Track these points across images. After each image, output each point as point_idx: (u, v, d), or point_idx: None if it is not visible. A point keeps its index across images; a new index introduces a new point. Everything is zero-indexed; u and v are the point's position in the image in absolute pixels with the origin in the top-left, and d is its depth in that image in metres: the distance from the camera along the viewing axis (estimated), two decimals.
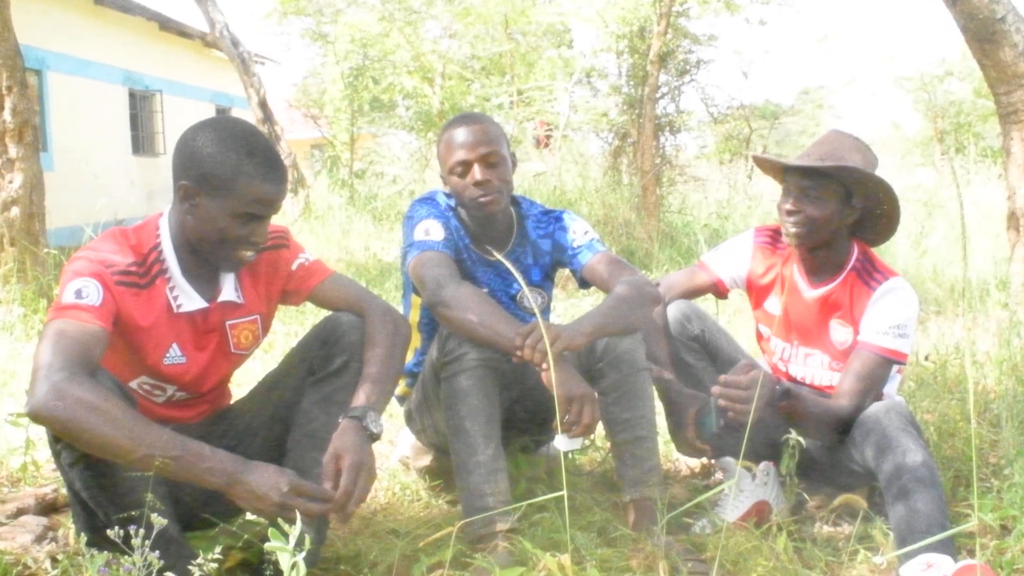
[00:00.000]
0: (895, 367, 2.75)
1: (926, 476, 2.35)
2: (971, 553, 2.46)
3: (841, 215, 2.74)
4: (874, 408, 2.59)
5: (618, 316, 2.50)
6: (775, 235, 2.96)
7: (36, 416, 1.82)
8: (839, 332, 2.81)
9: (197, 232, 2.17)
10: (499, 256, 2.21)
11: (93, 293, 2.01)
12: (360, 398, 2.21)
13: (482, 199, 2.65)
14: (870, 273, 2.79)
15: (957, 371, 3.97)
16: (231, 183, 2.10)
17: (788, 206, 2.72)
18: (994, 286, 6.33)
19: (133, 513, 1.85)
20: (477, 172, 2.64)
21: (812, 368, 2.89)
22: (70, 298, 1.99)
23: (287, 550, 1.69)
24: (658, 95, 10.38)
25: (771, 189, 13.01)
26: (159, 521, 1.76)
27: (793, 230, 2.72)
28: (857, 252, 2.84)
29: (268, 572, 1.94)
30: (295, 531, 1.72)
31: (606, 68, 13.58)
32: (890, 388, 2.82)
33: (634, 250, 8.60)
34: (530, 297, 2.46)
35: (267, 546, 1.72)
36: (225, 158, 2.11)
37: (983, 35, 5.08)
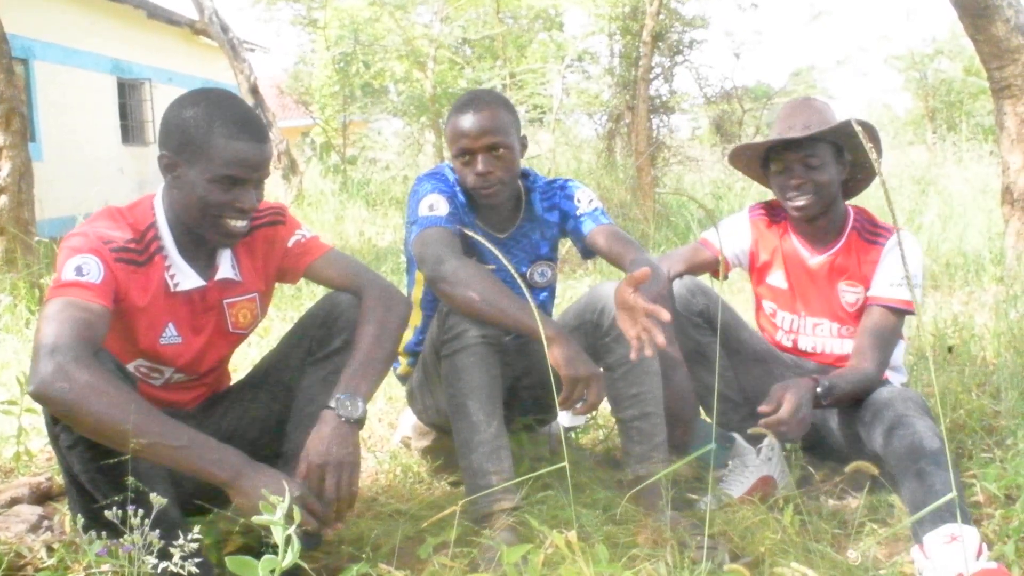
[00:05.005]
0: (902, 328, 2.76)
1: (943, 462, 2.33)
2: (978, 523, 2.45)
3: (839, 174, 2.77)
4: (888, 392, 2.58)
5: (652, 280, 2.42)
6: (769, 210, 2.97)
7: (41, 396, 1.78)
8: (848, 294, 2.81)
9: (183, 204, 2.13)
10: (491, 246, 2.14)
11: (94, 270, 1.97)
12: (340, 385, 2.15)
13: (482, 191, 2.61)
14: (872, 231, 2.81)
15: (957, 343, 3.97)
16: (204, 145, 2.06)
17: (794, 181, 2.72)
18: (989, 260, 6.36)
19: (131, 494, 1.81)
20: (480, 163, 2.58)
21: (821, 338, 2.89)
22: (70, 275, 1.94)
23: (279, 523, 1.66)
24: (651, 76, 10.34)
25: None
26: (159, 500, 1.73)
27: (803, 202, 2.72)
28: (854, 212, 2.86)
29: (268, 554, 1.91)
30: (284, 504, 1.69)
31: (598, 51, 13.56)
32: (897, 359, 2.82)
33: (630, 231, 8.57)
34: (538, 272, 2.42)
35: (257, 520, 1.69)
36: (197, 121, 2.07)
37: (975, 10, 5.08)
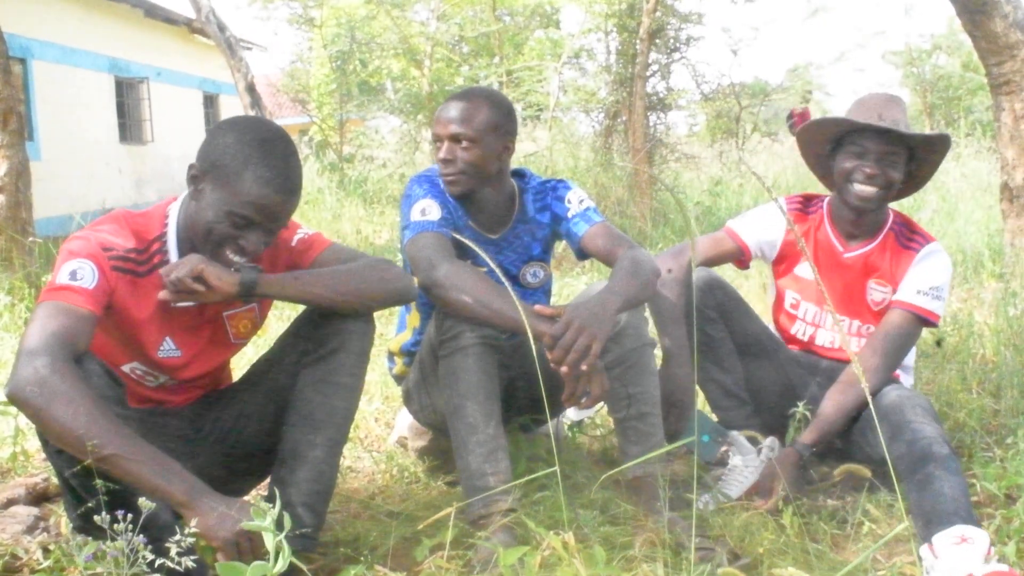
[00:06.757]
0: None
1: (952, 466, 2.33)
2: (979, 523, 2.44)
3: (903, 179, 2.79)
4: (896, 395, 2.57)
5: (630, 292, 2.43)
6: (804, 202, 2.98)
7: (13, 398, 1.80)
8: (876, 292, 2.84)
9: (193, 220, 2.12)
10: (478, 249, 2.15)
11: (88, 275, 1.97)
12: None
13: (444, 177, 2.65)
14: (908, 236, 2.84)
15: (956, 341, 3.96)
16: (233, 177, 2.05)
17: (869, 169, 2.71)
18: (988, 257, 6.35)
19: (105, 496, 1.80)
20: (443, 150, 2.63)
21: (839, 334, 2.90)
22: (64, 279, 1.95)
23: (270, 530, 1.65)
24: (648, 73, 10.32)
25: (762, 167, 12.99)
26: (147, 505, 1.72)
27: (870, 193, 2.73)
28: (893, 214, 2.88)
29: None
30: (273, 513, 1.68)
31: (594, 48, 13.54)
32: (908, 360, 2.83)
33: (627, 228, 8.56)
34: (530, 272, 2.41)
35: (244, 525, 1.69)
36: (237, 151, 2.06)
37: (973, 6, 5.06)
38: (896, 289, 2.79)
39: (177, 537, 1.72)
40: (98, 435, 1.77)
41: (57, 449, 1.87)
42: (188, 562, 1.71)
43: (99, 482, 1.79)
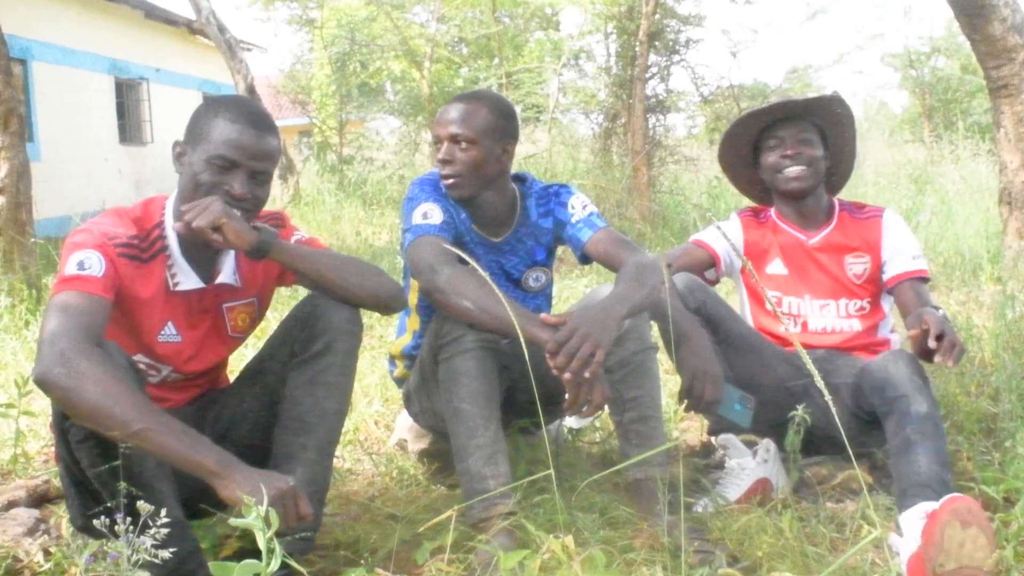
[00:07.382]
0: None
1: (929, 429, 2.37)
2: (952, 489, 2.43)
3: (824, 158, 2.96)
4: (882, 358, 2.65)
5: (636, 299, 2.40)
6: (754, 212, 3.12)
7: (40, 383, 1.82)
8: (856, 265, 2.96)
9: (182, 192, 2.18)
10: (471, 261, 2.16)
11: (95, 264, 2.01)
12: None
13: (443, 179, 2.65)
14: (861, 211, 3.03)
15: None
16: (206, 128, 2.15)
17: (789, 151, 2.91)
18: (986, 260, 6.35)
19: (124, 500, 1.81)
20: (442, 150, 2.64)
21: (828, 319, 2.96)
22: (72, 269, 1.99)
23: (257, 527, 1.65)
24: (647, 75, 10.32)
25: None
26: (145, 508, 1.72)
27: (797, 171, 2.91)
28: (838, 201, 3.06)
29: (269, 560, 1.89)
30: (261, 509, 1.68)
31: (594, 50, 13.56)
32: (891, 333, 2.96)
33: (626, 231, 8.56)
34: (532, 277, 2.42)
35: (232, 521, 1.69)
36: (208, 111, 2.18)
37: (972, 10, 5.08)
38: (875, 256, 2.93)
39: (152, 530, 1.71)
40: (128, 411, 1.79)
41: (79, 439, 1.88)
42: (165, 554, 1.71)
43: (123, 484, 1.81)
